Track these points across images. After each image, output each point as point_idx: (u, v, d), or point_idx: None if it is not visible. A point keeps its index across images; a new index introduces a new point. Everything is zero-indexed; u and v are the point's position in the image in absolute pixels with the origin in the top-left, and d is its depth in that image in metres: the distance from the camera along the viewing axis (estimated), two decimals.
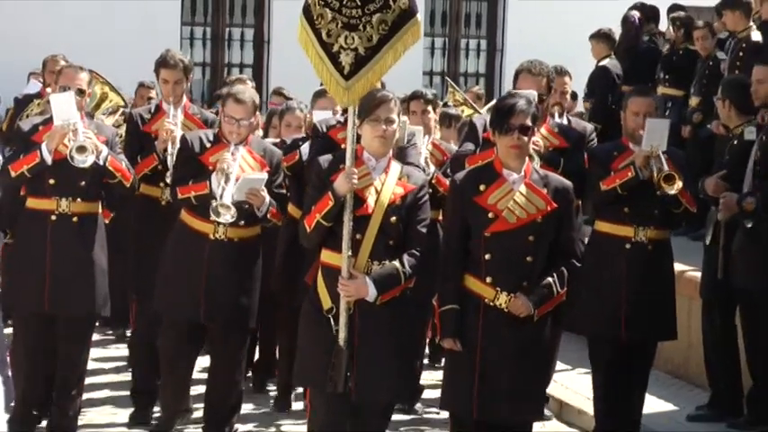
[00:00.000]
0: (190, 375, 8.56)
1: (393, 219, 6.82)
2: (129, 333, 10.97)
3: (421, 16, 7.11)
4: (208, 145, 8.18)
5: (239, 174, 7.99)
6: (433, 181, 8.55)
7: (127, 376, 10.07)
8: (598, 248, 8.34)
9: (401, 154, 8.18)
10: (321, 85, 9.80)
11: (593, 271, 8.26)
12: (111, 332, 11.93)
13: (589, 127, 9.13)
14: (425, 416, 9.31)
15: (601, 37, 14.19)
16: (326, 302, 6.84)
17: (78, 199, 8.14)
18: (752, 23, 11.87)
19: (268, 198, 8.06)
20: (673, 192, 7.90)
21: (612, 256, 8.19)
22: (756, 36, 11.72)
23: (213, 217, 7.89)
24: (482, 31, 19.58)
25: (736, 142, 9.13)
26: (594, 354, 8.38)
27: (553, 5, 18.22)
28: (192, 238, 8.15)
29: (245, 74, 18.37)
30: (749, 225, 8.58)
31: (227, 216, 7.84)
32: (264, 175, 8.18)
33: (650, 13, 14.77)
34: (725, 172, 8.90)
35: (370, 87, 6.94)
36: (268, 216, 8.13)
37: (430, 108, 9.31)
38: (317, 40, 6.88)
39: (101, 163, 8.04)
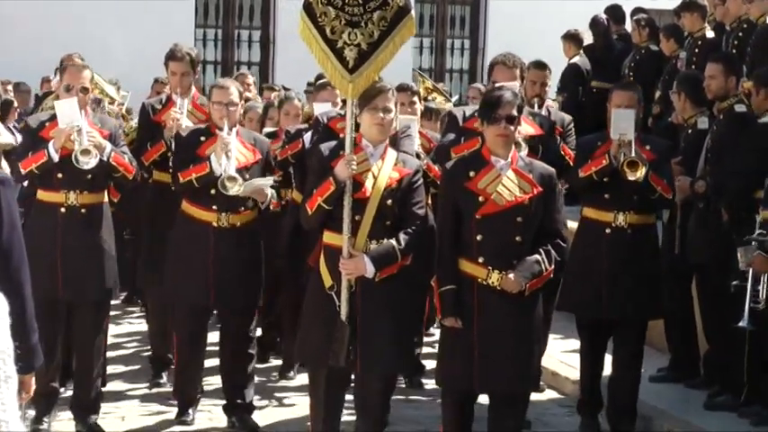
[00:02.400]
0: (203, 359, 8.43)
1: (389, 201, 6.75)
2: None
3: None
4: (203, 139, 8.05)
5: (238, 157, 7.91)
6: (425, 167, 8.41)
7: (139, 347, 10.31)
8: (583, 232, 8.25)
9: (396, 143, 8.07)
10: (317, 79, 9.83)
11: (578, 253, 8.17)
12: (131, 308, 12.03)
13: (567, 118, 8.90)
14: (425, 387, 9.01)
15: (570, 37, 14.26)
16: (328, 281, 6.76)
17: (85, 191, 7.86)
18: (706, 24, 11.96)
19: (270, 193, 8.01)
20: (633, 178, 7.71)
21: (595, 240, 8.08)
22: (710, 34, 11.81)
23: (222, 191, 7.77)
24: (466, 32, 19.59)
25: (690, 131, 9.18)
26: (581, 329, 8.35)
27: (529, 9, 18.26)
28: (196, 228, 8.01)
29: (253, 71, 18.53)
30: (701, 206, 8.69)
31: (235, 188, 7.76)
32: (271, 180, 8.08)
33: (618, 15, 14.88)
34: (681, 158, 8.96)
35: (372, 80, 6.86)
36: (270, 207, 8.08)
37: (416, 99, 9.24)
38: (320, 36, 6.80)
39: (105, 159, 7.78)
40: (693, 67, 11.14)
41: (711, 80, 8.89)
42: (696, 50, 11.59)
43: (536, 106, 8.82)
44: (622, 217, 7.99)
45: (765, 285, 7.85)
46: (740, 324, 7.89)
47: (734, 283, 8.01)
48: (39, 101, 12.81)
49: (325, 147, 7.00)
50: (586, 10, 15.18)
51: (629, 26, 14.56)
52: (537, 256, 6.70)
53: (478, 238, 6.68)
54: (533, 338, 6.84)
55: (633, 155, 7.75)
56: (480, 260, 6.68)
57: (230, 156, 7.85)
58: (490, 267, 6.66)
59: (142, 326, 10.97)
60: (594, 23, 14.68)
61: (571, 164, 8.38)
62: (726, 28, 11.45)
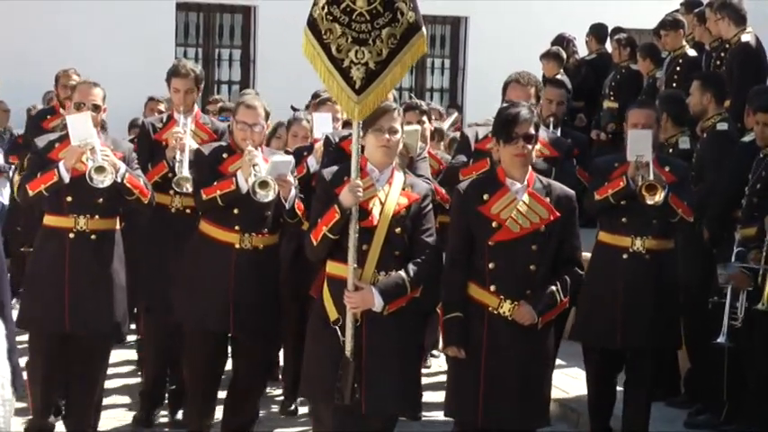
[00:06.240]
0: (217, 389, 7.78)
1: (398, 230, 6.29)
2: (134, 337, 10.35)
3: None
4: (224, 155, 7.54)
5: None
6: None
7: (125, 380, 9.83)
8: (599, 258, 7.82)
9: (412, 165, 7.64)
10: (314, 98, 9.44)
11: (594, 280, 7.68)
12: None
13: (584, 137, 8.38)
14: (425, 418, 8.29)
15: (551, 56, 14.18)
16: (333, 314, 6.28)
17: (96, 216, 7.42)
18: (685, 43, 12.00)
19: (294, 186, 7.40)
20: (651, 202, 7.33)
21: (611, 265, 7.67)
22: (692, 53, 11.85)
23: (254, 198, 7.23)
24: (446, 52, 19.63)
25: (671, 151, 9.12)
26: (588, 360, 7.96)
27: (509, 29, 18.30)
28: (217, 249, 7.44)
29: (233, 90, 18.53)
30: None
31: (270, 194, 7.20)
32: (291, 158, 7.54)
33: (601, 35, 14.88)
34: None
35: (381, 100, 6.35)
36: (295, 209, 7.41)
37: (425, 118, 8.74)
38: (325, 54, 6.30)
39: (119, 180, 7.33)
40: (674, 86, 11.16)
41: (690, 97, 8.91)
42: (677, 69, 11.62)
43: (551, 126, 8.48)
44: (640, 242, 7.61)
45: (744, 302, 7.82)
46: (718, 340, 7.87)
47: (712, 299, 8.01)
48: (31, 119, 12.39)
49: (327, 172, 6.52)
50: (567, 30, 15.22)
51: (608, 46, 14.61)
52: (552, 288, 6.33)
53: (491, 265, 6.30)
54: (544, 372, 6.47)
55: (652, 177, 7.38)
56: (492, 288, 6.30)
57: (258, 167, 7.32)
58: (502, 297, 6.29)
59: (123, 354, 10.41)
60: (565, 42, 14.73)
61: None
62: (705, 47, 11.50)
